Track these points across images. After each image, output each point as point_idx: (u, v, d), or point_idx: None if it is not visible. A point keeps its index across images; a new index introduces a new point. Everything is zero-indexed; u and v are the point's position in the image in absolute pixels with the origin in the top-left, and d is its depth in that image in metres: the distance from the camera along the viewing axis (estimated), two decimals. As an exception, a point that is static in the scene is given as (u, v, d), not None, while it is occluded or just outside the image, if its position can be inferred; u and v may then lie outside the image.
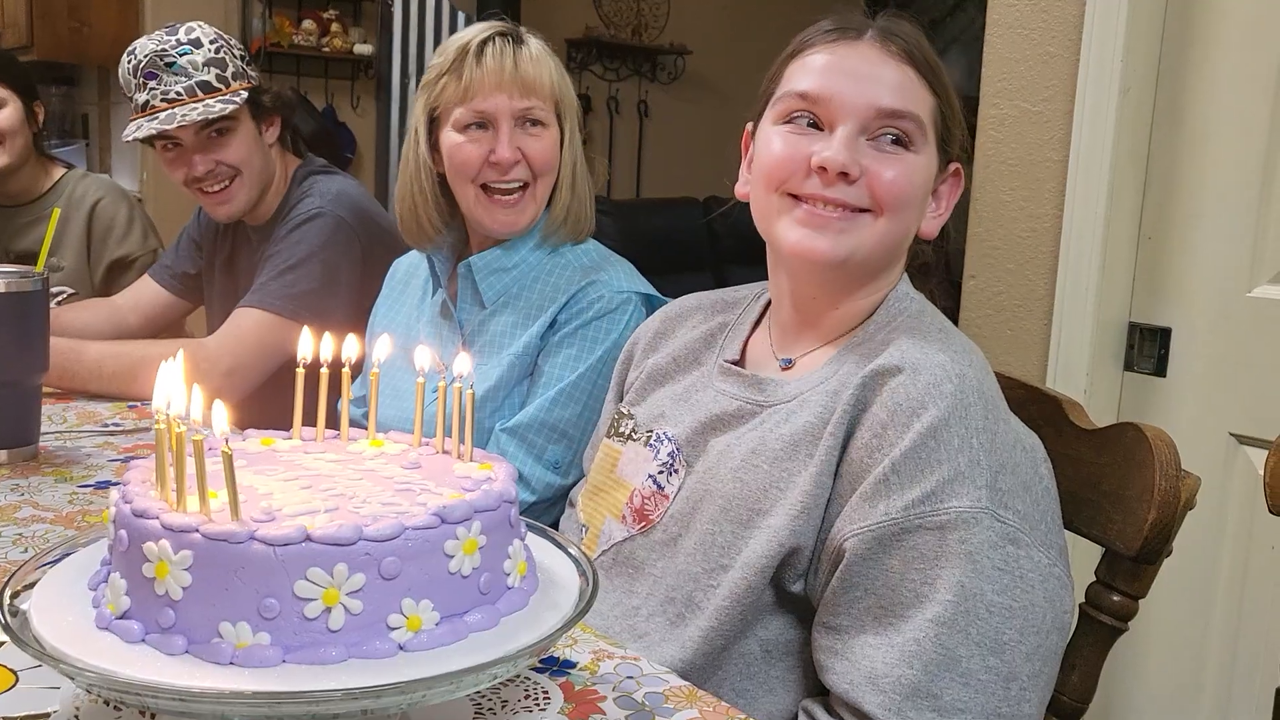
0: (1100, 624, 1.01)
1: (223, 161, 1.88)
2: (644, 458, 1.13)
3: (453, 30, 4.96)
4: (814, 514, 0.96)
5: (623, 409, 1.22)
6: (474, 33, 1.53)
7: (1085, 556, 1.07)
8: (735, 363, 1.14)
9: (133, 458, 1.43)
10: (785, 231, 1.04)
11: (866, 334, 1.05)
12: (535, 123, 1.52)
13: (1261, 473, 1.67)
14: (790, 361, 1.10)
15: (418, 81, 4.98)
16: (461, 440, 0.84)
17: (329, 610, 0.66)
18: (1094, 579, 1.04)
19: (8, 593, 0.73)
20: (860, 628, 0.91)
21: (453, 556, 0.70)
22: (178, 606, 0.67)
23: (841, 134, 1.01)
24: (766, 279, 1.17)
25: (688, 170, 5.69)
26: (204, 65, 1.84)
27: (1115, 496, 1.02)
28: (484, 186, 1.52)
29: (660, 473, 1.10)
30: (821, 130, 1.03)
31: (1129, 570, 1.01)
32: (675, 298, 1.71)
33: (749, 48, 5.87)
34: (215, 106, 1.82)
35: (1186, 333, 1.78)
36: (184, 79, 1.83)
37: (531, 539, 0.83)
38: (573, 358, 1.50)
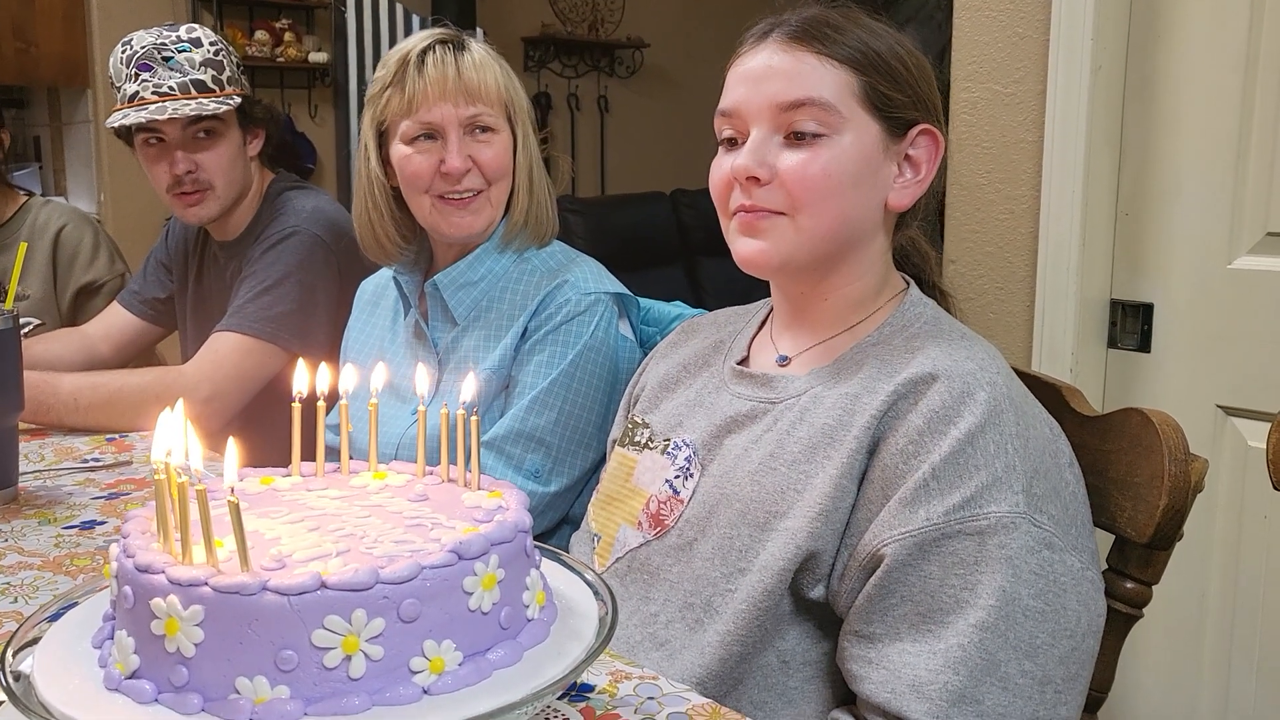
0: (1115, 612, 1.01)
1: (201, 168, 1.85)
2: (661, 465, 1.12)
3: (407, 34, 4.92)
4: (834, 518, 0.95)
5: (637, 418, 1.20)
6: (415, 42, 1.50)
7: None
8: (741, 362, 1.14)
9: (116, 494, 1.40)
10: (734, 245, 1.06)
11: (882, 336, 1.04)
12: (484, 129, 1.50)
13: (1250, 444, 1.69)
14: (786, 358, 1.10)
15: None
16: (468, 468, 0.82)
17: (349, 658, 0.64)
18: (1106, 567, 1.03)
19: (9, 654, 0.70)
20: (896, 635, 0.90)
21: (472, 594, 0.68)
22: (190, 664, 0.64)
23: (749, 140, 1.02)
24: (739, 270, 1.17)
25: (651, 164, 5.67)
26: (201, 64, 1.82)
27: (1123, 483, 1.01)
28: (439, 195, 1.50)
29: (676, 477, 1.09)
30: (740, 144, 1.04)
31: (1141, 557, 1.00)
32: (647, 294, 1.70)
33: (705, 38, 5.86)
34: (209, 105, 1.80)
35: (1168, 307, 1.78)
36: (179, 75, 1.80)
37: (545, 564, 0.81)
38: (544, 364, 1.48)
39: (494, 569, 0.69)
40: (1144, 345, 1.81)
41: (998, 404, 0.93)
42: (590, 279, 1.53)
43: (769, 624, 0.97)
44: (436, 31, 1.52)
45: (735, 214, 1.04)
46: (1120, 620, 1.01)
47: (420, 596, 0.66)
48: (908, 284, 1.11)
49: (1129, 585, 1.01)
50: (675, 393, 1.20)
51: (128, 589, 0.67)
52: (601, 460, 1.42)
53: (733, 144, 1.05)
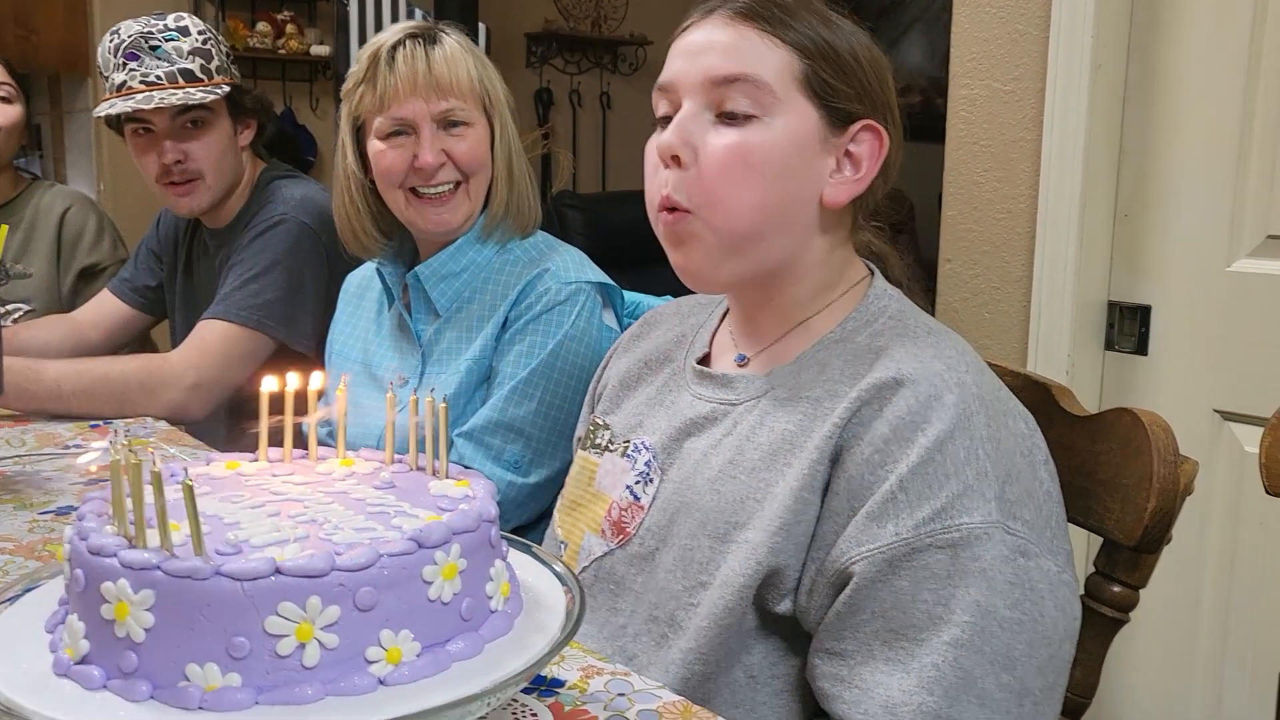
0: (1101, 616, 0.99)
1: (191, 158, 1.83)
2: (621, 469, 1.09)
3: (411, 28, 4.90)
4: (796, 531, 0.91)
5: (597, 419, 1.17)
6: (386, 37, 1.49)
7: (1081, 547, 1.04)
8: (702, 361, 1.11)
9: (97, 480, 1.38)
10: (667, 251, 1.01)
11: (845, 333, 1.00)
12: (458, 123, 1.48)
13: (1247, 449, 1.67)
14: (744, 358, 1.06)
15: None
16: (436, 456, 0.80)
17: (303, 646, 0.62)
18: (1093, 570, 1.01)
19: (-41, 639, 0.69)
20: (869, 652, 0.87)
21: (431, 583, 0.66)
22: (140, 649, 0.62)
23: (678, 114, 0.97)
24: None
25: (653, 161, 5.64)
26: (189, 54, 1.80)
27: (1112, 485, 0.99)
28: (412, 190, 1.49)
29: (637, 483, 1.06)
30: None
31: (1128, 560, 0.98)
32: (647, 291, 1.68)
33: (710, 36, 5.83)
34: (196, 94, 1.79)
35: (1166, 310, 1.76)
36: (166, 64, 1.79)
37: (513, 555, 0.79)
38: (524, 354, 1.46)
39: (455, 558, 0.67)
40: (1141, 348, 1.79)
41: (966, 406, 0.89)
42: (572, 268, 1.52)
43: (733, 640, 0.94)
44: (409, 25, 1.50)
45: (659, 213, 0.99)
46: (1106, 625, 0.99)
47: (377, 585, 0.64)
48: (872, 273, 1.06)
49: (1116, 589, 0.99)
50: (636, 391, 1.16)
51: (79, 572, 0.65)
52: None
53: (668, 121, 0.99)
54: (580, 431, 1.27)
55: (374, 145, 1.49)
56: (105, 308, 2.12)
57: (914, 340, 0.96)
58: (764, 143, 0.95)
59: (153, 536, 0.65)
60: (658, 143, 0.98)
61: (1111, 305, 1.81)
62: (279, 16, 4.56)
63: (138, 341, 2.21)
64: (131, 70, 1.79)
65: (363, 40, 4.76)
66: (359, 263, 1.77)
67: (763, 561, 0.91)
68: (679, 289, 1.21)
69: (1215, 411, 1.71)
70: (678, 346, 1.16)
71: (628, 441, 1.10)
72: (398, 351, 1.60)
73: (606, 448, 1.12)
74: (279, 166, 2.02)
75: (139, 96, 1.78)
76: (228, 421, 1.85)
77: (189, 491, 0.62)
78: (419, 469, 0.82)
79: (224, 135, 1.88)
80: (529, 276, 1.49)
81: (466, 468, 0.83)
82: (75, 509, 1.27)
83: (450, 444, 1.50)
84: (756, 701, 0.95)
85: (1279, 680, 1.06)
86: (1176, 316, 1.74)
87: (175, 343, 2.09)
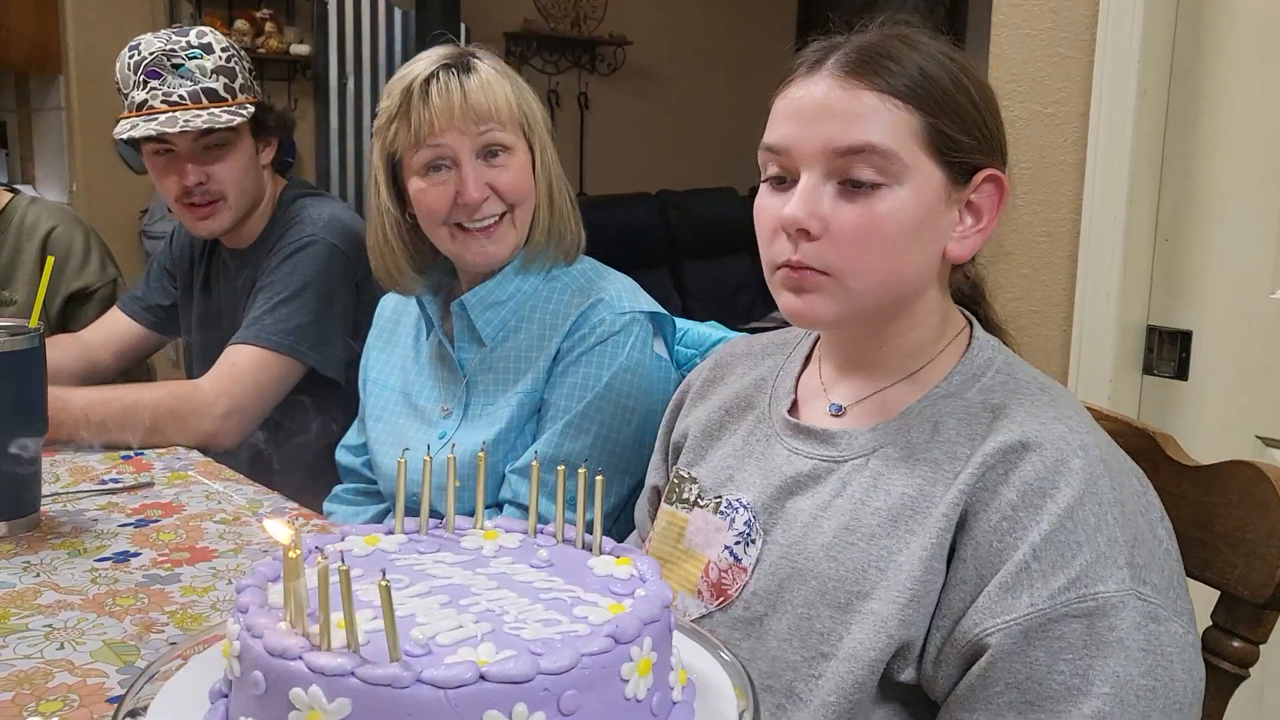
0: (1223, 672, 0.98)
1: (213, 179, 1.77)
2: (715, 526, 1.05)
3: (389, 28, 4.84)
4: (925, 602, 0.89)
5: (682, 472, 1.13)
6: (419, 70, 1.43)
7: (1196, 599, 1.03)
8: (790, 410, 1.07)
9: (145, 521, 1.33)
10: (779, 298, 0.99)
11: (952, 388, 0.98)
12: (499, 151, 1.43)
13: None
14: (841, 409, 1.03)
15: (356, 81, 4.85)
16: (588, 529, 0.77)
17: (508, 757, 0.59)
18: (1210, 624, 1.00)
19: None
20: None
21: (628, 680, 0.63)
22: (334, 759, 0.59)
23: (800, 186, 0.94)
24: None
25: (631, 162, 5.62)
26: (212, 72, 1.74)
27: (1233, 539, 0.98)
28: (457, 224, 1.44)
29: (737, 544, 1.02)
30: (791, 186, 0.96)
31: (1251, 616, 0.97)
32: (712, 312, 1.65)
33: (688, 36, 5.82)
34: (221, 116, 1.73)
35: (1208, 335, 1.76)
36: (189, 83, 1.73)
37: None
38: (579, 386, 1.43)
39: (648, 652, 0.64)
40: (1181, 373, 1.79)
41: (1093, 470, 0.87)
42: (625, 297, 1.48)
43: (857, 711, 0.91)
44: (441, 53, 1.44)
45: (780, 268, 0.97)
46: (1226, 680, 0.98)
47: (579, 686, 0.60)
48: (970, 322, 1.04)
49: (1236, 644, 0.98)
50: (720, 440, 1.12)
51: (258, 674, 0.61)
52: (638, 486, 1.37)
53: (780, 181, 0.97)
54: (656, 478, 1.23)
55: (414, 184, 1.44)
56: (116, 327, 2.05)
57: (1030, 398, 0.94)
58: (894, 211, 0.92)
59: (335, 635, 0.61)
60: (782, 216, 0.94)
61: (1151, 329, 1.81)
62: (258, 14, 4.47)
63: (144, 361, 2.14)
64: (153, 89, 1.73)
65: (341, 39, 4.69)
66: (383, 285, 1.72)
67: (894, 635, 0.89)
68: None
69: (1257, 438, 1.71)
70: (758, 391, 1.12)
71: (719, 498, 1.06)
72: (439, 381, 1.56)
73: (696, 503, 1.08)
74: (301, 184, 1.97)
75: (162, 118, 1.72)
76: (249, 449, 1.79)
77: (385, 592, 0.58)
78: (566, 541, 0.79)
79: (247, 155, 1.83)
80: (583, 306, 1.46)
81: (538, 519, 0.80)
82: (133, 554, 1.21)
83: (503, 479, 1.47)
84: None
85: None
86: (1218, 342, 1.75)
87: (190, 364, 2.03)
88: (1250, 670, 0.99)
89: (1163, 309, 1.80)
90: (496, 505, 1.48)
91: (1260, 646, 0.99)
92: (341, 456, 1.69)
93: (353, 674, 0.58)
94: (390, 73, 4.81)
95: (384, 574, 0.58)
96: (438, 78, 1.41)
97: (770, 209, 0.97)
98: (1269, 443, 1.71)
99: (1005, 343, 1.05)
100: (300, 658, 0.60)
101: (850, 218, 0.92)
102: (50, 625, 1.05)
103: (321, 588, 0.60)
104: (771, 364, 1.15)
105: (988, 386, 0.97)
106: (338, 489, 1.68)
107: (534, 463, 0.83)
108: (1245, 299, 1.71)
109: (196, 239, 2.00)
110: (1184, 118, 1.75)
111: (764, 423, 1.08)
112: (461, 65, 1.43)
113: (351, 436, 1.70)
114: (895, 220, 0.92)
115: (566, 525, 0.80)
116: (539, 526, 0.81)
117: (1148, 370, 1.82)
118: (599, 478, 0.76)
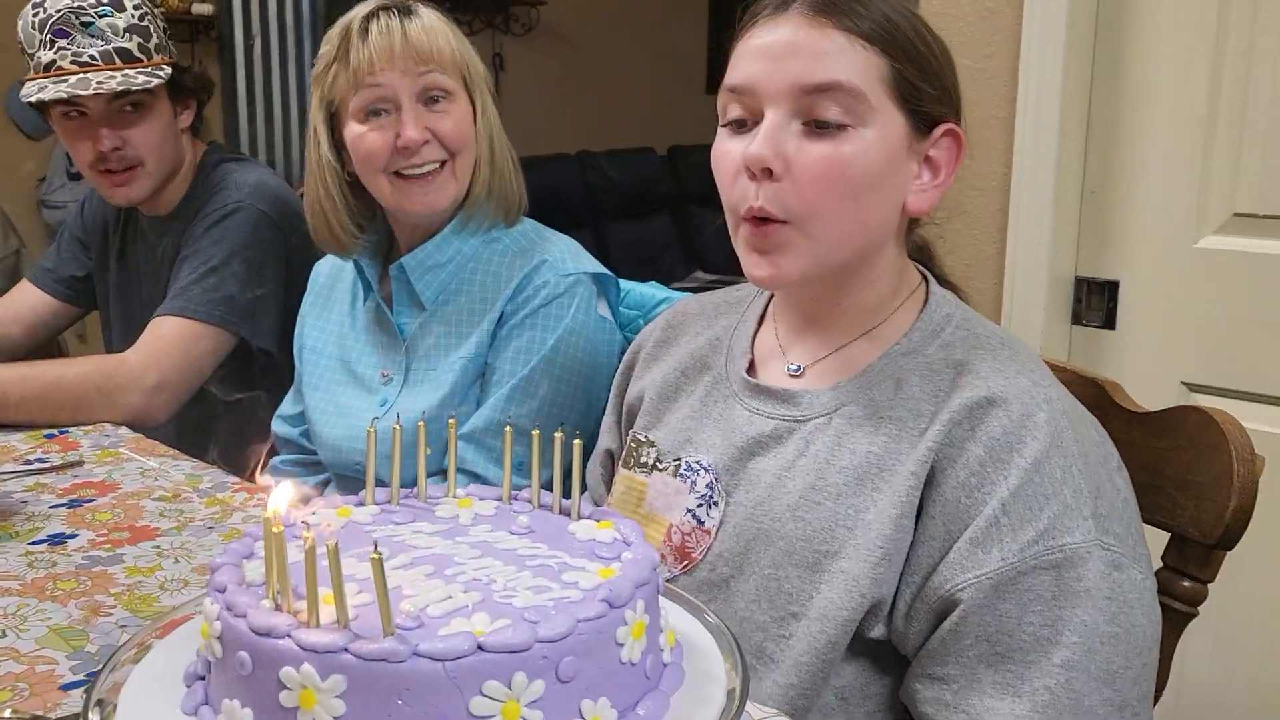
0: (1174, 611, 1.00)
1: (129, 144, 1.70)
2: (676, 489, 1.04)
3: (296, -13, 4.69)
4: (895, 560, 0.90)
5: (639, 435, 1.11)
6: (357, 11, 1.39)
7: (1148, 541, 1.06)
8: (748, 370, 1.07)
9: (78, 501, 1.29)
10: (743, 259, 0.97)
11: (912, 344, 0.98)
12: (440, 96, 1.40)
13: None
14: (800, 369, 1.03)
15: (263, 42, 4.70)
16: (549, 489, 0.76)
17: (508, 726, 0.58)
18: (1162, 565, 1.02)
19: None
20: (973, 676, 0.86)
21: (624, 645, 0.62)
22: (329, 739, 0.57)
23: (765, 124, 0.92)
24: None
25: (548, 124, 5.54)
26: (125, 31, 1.66)
27: (1183, 482, 1.00)
28: (396, 173, 1.40)
29: (699, 506, 1.02)
30: (753, 128, 0.94)
31: (1201, 556, 1.00)
32: (633, 272, 1.63)
33: (604, -4, 5.75)
34: (137, 78, 1.65)
35: (1134, 285, 1.80)
36: (100, 43, 1.65)
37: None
38: (523, 350, 1.41)
39: (641, 615, 0.64)
40: (1109, 322, 1.83)
41: (1057, 424, 0.89)
42: (569, 258, 1.46)
43: (829, 669, 0.92)
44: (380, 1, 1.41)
45: (744, 220, 0.95)
46: (1178, 619, 1.01)
47: (577, 653, 0.60)
48: (925, 278, 1.05)
49: (1186, 584, 1.00)
50: (676, 402, 1.11)
51: (244, 655, 0.59)
52: (585, 449, 1.36)
53: (740, 126, 0.95)
54: (610, 442, 1.22)
55: (352, 130, 1.40)
56: (27, 301, 1.96)
57: (992, 354, 0.95)
58: (859, 154, 0.91)
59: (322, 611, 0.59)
60: (745, 154, 0.92)
61: (1079, 281, 1.85)
62: (157, -27, 4.30)
63: (55, 335, 2.06)
64: (61, 50, 1.65)
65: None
66: (314, 252, 1.67)
67: (866, 594, 0.89)
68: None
69: (1183, 384, 1.76)
70: (713, 352, 1.11)
71: (679, 460, 1.05)
72: (377, 347, 1.52)
73: (655, 466, 1.08)
74: (222, 149, 1.90)
75: (73, 79, 1.64)
76: (176, 422, 1.74)
77: (379, 567, 0.57)
78: (543, 507, 0.78)
79: (164, 119, 1.76)
80: (526, 268, 1.43)
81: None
82: (69, 536, 1.17)
83: (446, 446, 1.44)
84: None
85: None
86: (1144, 291, 1.79)
87: (111, 338, 1.96)
88: (1199, 609, 1.02)
89: (1090, 260, 1.84)
90: (440, 473, 1.46)
91: (1209, 586, 1.02)
92: (278, 427, 1.65)
93: (346, 650, 0.57)
94: (299, 32, 4.69)
95: (375, 546, 0.57)
96: (377, 17, 1.38)
97: (732, 152, 0.95)
98: (1194, 388, 1.76)
99: (960, 299, 1.06)
100: (289, 636, 0.58)
101: (815, 158, 0.91)
102: (-10, 612, 1.01)
103: (309, 563, 0.58)
104: (725, 323, 1.14)
105: (948, 342, 0.97)
106: (276, 460, 1.64)
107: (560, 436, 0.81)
108: (1170, 249, 1.75)
109: (111, 207, 1.92)
110: (1110, 71, 1.77)
111: (722, 383, 1.08)
112: (402, 8, 1.40)
113: (287, 406, 1.66)
114: (860, 163, 0.91)
115: (543, 491, 0.78)
116: (513, 493, 0.79)
117: (1076, 320, 1.86)
118: (577, 441, 0.74)
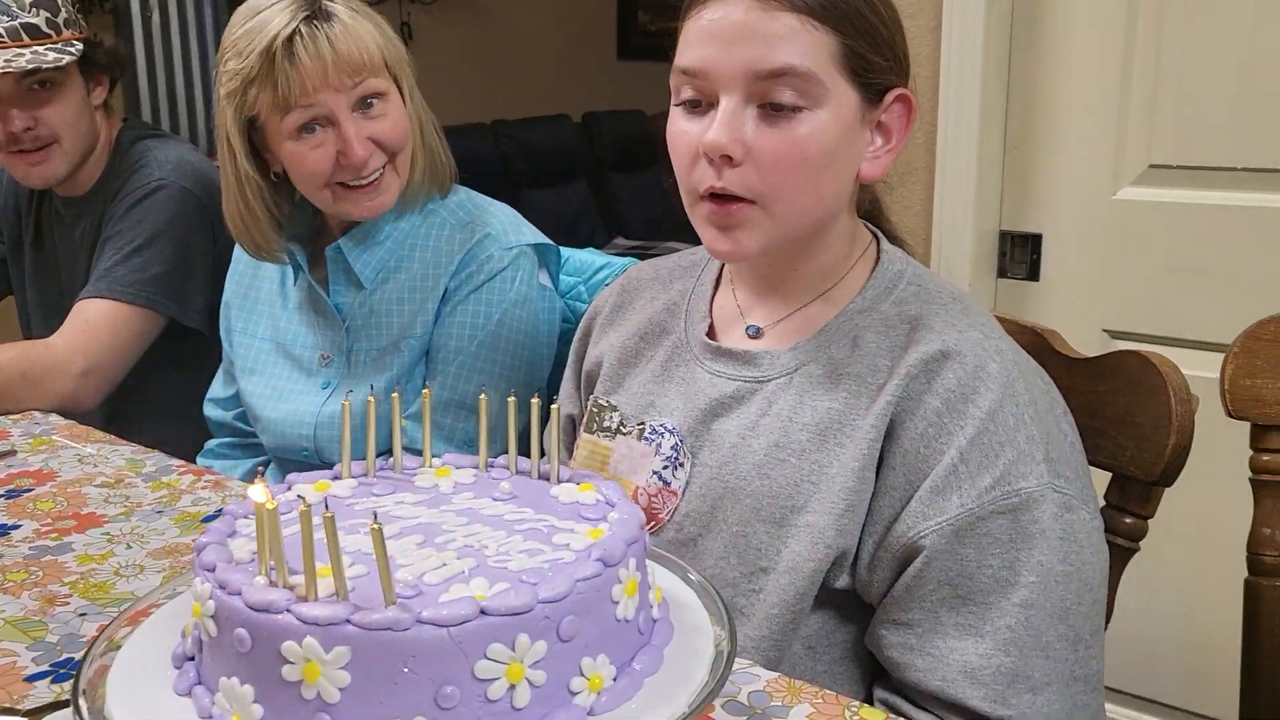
0: (1117, 547, 1.04)
1: (42, 123, 1.64)
2: (640, 452, 1.05)
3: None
4: (858, 511, 0.92)
5: (601, 400, 1.12)
6: (277, 25, 1.30)
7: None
8: (708, 334, 1.08)
9: (16, 491, 1.25)
10: (702, 234, 0.98)
11: (867, 302, 1.00)
12: (374, 101, 1.35)
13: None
14: (759, 330, 1.04)
15: (161, 15, 4.55)
16: (543, 456, 0.77)
17: (514, 687, 0.59)
18: (1104, 503, 1.06)
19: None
20: (936, 620, 0.89)
21: (619, 602, 0.63)
22: (335, 710, 0.57)
23: (720, 111, 0.93)
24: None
25: (460, 93, 5.47)
26: (31, 6, 1.60)
27: (1124, 423, 1.04)
28: (340, 183, 1.36)
29: (665, 468, 1.03)
30: (708, 109, 0.95)
31: (1141, 493, 1.04)
32: (552, 240, 1.62)
33: (512, -38, 5.67)
34: (48, 55, 1.59)
35: (1056, 237, 1.85)
36: (6, 18, 1.58)
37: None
38: (468, 325, 1.40)
39: (634, 572, 0.65)
40: (1033, 274, 1.88)
41: (1008, 374, 0.92)
42: (510, 230, 1.45)
43: (798, 619, 0.94)
44: (290, 4, 1.32)
45: (702, 198, 0.96)
46: (1121, 554, 1.05)
47: (577, 612, 0.60)
48: (875, 236, 1.07)
49: (1128, 520, 1.05)
50: (637, 367, 1.12)
51: (241, 632, 0.59)
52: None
53: (695, 106, 0.96)
54: (567, 409, 1.22)
55: (287, 147, 1.34)
56: (-63, 288, 1.90)
57: (944, 308, 0.97)
58: (814, 134, 0.92)
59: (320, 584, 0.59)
60: (704, 141, 0.93)
61: (1003, 234, 1.90)
62: (46, -56, 4.13)
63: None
64: None
65: (141, -31, 4.38)
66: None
67: (831, 545, 0.92)
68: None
69: (1104, 331, 1.83)
70: (671, 316, 1.12)
71: (642, 424, 1.06)
72: (313, 328, 1.49)
73: (619, 431, 1.08)
74: (139, 125, 1.85)
75: None
76: (105, 407, 1.70)
77: (379, 536, 0.57)
78: (520, 473, 0.78)
79: (77, 96, 1.70)
80: (469, 243, 1.42)
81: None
82: (12, 527, 1.14)
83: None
84: (817, 671, 0.97)
85: (1244, 587, 1.15)
86: (1065, 243, 1.84)
87: (30, 324, 1.90)
88: (1141, 544, 1.06)
89: (1014, 214, 1.89)
90: (387, 452, 1.44)
91: (1149, 521, 1.06)
92: (210, 411, 1.62)
93: (349, 621, 0.57)
94: (199, 2, 4.54)
95: (375, 517, 0.57)
96: (301, 34, 1.30)
97: (688, 134, 0.95)
98: (1116, 334, 1.82)
99: (908, 254, 1.08)
100: (288, 610, 0.58)
101: (773, 142, 0.92)
102: (-58, 607, 0.98)
103: (305, 536, 0.58)
104: (681, 287, 1.14)
105: (901, 298, 0.99)
106: (211, 444, 1.61)
107: (483, 398, 0.81)
108: (1089, 201, 1.81)
109: (23, 189, 1.86)
110: (1029, 27, 1.82)
111: (682, 347, 1.09)
112: (321, 14, 1.32)
113: (218, 389, 1.63)
114: (816, 143, 0.93)
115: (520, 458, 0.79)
116: (489, 461, 0.79)
117: (1001, 273, 1.91)
118: (554, 406, 0.75)
